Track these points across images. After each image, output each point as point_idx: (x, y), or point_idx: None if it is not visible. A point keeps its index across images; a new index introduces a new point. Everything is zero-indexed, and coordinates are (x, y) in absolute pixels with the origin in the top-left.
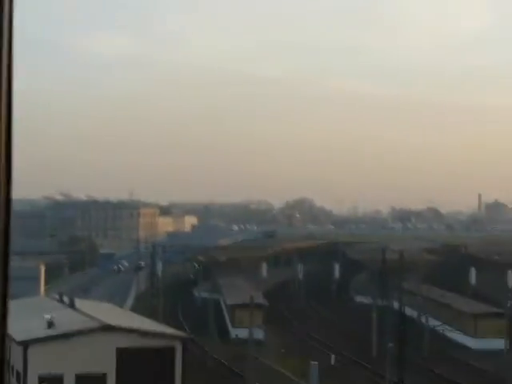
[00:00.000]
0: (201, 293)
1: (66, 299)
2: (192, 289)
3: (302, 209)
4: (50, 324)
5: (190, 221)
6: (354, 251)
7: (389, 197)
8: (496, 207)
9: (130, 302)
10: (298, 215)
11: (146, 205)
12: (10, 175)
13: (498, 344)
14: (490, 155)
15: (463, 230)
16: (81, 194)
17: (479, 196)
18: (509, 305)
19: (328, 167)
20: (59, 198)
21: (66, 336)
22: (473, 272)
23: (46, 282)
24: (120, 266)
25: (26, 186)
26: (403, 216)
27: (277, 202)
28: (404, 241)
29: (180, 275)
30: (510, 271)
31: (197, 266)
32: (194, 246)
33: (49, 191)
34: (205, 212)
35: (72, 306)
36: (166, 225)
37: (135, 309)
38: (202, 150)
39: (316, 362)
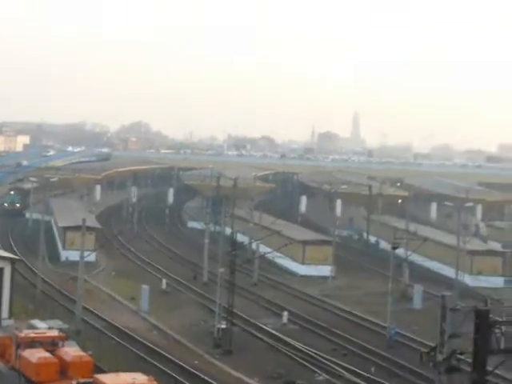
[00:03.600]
0: (32, 214)
1: None
2: (23, 210)
3: (139, 132)
4: None
5: (22, 140)
6: (188, 177)
7: (225, 124)
8: (328, 137)
9: None
10: (134, 139)
11: None
12: None
13: (325, 270)
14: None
15: (296, 158)
16: None
17: (312, 126)
18: (336, 233)
19: (165, 92)
20: None
21: None
22: (303, 200)
23: None
24: None
25: None
26: (238, 143)
27: (112, 124)
28: (238, 168)
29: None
30: (338, 200)
31: (12, 192)
32: (26, 165)
33: None
34: (38, 132)
35: None
36: None
37: None
38: (36, 68)
39: (147, 286)
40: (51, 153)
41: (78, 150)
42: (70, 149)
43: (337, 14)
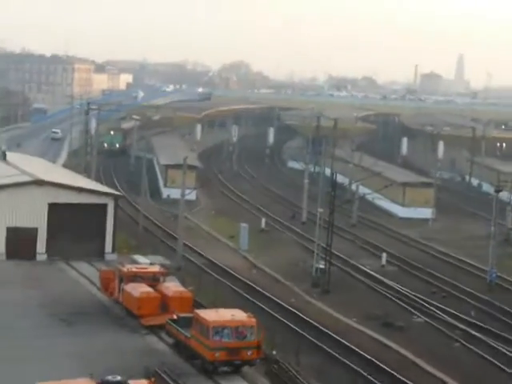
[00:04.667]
0: (134, 152)
1: None
2: (122, 150)
3: (239, 72)
4: None
5: (125, 78)
6: (289, 117)
7: (326, 64)
8: (432, 78)
9: (63, 158)
10: (234, 78)
11: (81, 61)
12: None
13: (425, 213)
14: (429, 26)
15: (398, 99)
16: (15, 47)
17: (416, 67)
18: (437, 175)
19: (265, 32)
20: None
21: None
22: (404, 142)
23: None
24: (56, 133)
25: None
26: (339, 84)
27: (214, 63)
28: (339, 108)
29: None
30: (440, 142)
31: (112, 132)
32: (128, 104)
33: None
34: (140, 71)
35: (4, 158)
36: (100, 82)
37: (68, 165)
38: (138, 5)
39: (246, 225)
40: (141, 94)
41: (171, 88)
42: (169, 88)
43: None
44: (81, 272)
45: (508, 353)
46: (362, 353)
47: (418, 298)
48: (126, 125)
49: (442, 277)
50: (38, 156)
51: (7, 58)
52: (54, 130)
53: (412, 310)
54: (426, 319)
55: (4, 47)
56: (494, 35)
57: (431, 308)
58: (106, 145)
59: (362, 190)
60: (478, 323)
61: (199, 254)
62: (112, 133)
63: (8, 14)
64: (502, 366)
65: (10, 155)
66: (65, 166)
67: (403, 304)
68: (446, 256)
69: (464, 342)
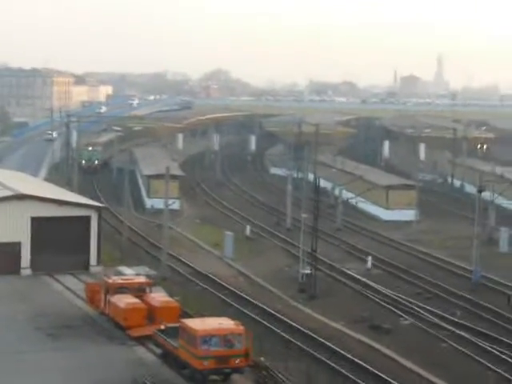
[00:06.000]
0: (116, 164)
1: None
2: (101, 167)
3: (219, 80)
4: None
5: (105, 90)
6: (270, 123)
7: (306, 70)
8: (411, 81)
9: (43, 172)
10: (215, 86)
11: (61, 73)
12: None
13: (409, 215)
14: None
15: (378, 103)
16: None
17: (395, 70)
18: (420, 177)
19: (245, 38)
20: None
21: None
22: (386, 145)
23: None
24: (51, 135)
25: None
26: (320, 89)
27: (193, 73)
28: (320, 114)
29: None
30: (422, 144)
31: (90, 148)
32: (109, 115)
33: None
34: (120, 82)
35: None
36: (80, 94)
37: (50, 179)
38: (118, 17)
39: (231, 233)
40: (136, 101)
41: (155, 98)
42: (151, 98)
43: None
44: (66, 285)
45: (495, 351)
46: (350, 356)
47: (404, 299)
48: (104, 138)
49: (427, 278)
50: (19, 170)
51: None
52: (48, 132)
53: (399, 313)
54: (413, 321)
55: None
56: (474, 35)
57: (417, 309)
58: (84, 162)
59: (346, 194)
60: (464, 323)
61: (184, 263)
62: (90, 148)
63: None
64: (490, 365)
65: None
66: (46, 179)
67: (390, 306)
68: (430, 257)
69: (451, 343)
